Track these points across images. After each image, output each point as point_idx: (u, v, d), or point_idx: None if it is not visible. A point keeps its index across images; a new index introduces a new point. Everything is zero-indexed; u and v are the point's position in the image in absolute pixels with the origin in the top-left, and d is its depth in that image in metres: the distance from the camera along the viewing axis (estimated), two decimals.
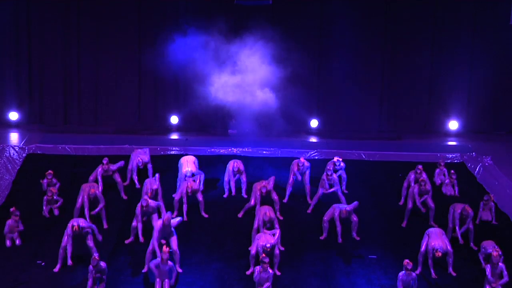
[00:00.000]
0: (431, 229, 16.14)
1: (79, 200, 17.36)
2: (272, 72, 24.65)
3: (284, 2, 23.99)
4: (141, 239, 16.61)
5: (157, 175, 18.37)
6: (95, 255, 14.66)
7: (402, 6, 24.46)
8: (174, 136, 24.49)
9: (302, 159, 19.20)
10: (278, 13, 24.29)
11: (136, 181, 19.54)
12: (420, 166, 19.08)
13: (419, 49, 24.61)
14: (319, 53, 24.73)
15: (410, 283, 14.54)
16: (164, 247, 14.74)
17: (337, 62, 24.66)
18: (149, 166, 19.78)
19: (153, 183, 17.94)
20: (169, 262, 14.61)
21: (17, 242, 16.52)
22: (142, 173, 19.72)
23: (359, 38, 24.37)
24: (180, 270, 15.51)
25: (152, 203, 16.67)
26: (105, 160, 18.95)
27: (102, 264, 14.63)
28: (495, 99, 25.18)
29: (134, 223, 16.73)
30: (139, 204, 16.65)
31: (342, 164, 19.34)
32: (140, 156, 19.66)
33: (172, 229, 15.64)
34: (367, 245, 16.98)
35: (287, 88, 24.27)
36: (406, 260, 14.59)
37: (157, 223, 15.67)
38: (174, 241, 15.58)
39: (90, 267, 14.52)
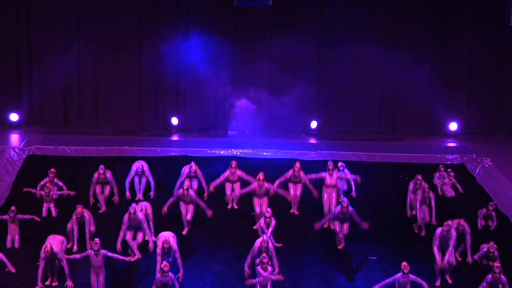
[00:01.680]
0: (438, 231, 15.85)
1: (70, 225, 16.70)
2: (271, 73, 24.72)
3: (284, 3, 24.01)
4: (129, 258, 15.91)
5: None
6: (96, 239, 14.61)
7: (402, 8, 24.49)
8: (174, 138, 24.50)
9: (297, 164, 18.84)
10: (278, 14, 24.32)
11: (127, 191, 19.02)
12: (419, 176, 18.65)
13: (419, 50, 24.62)
14: (319, 53, 24.76)
15: (407, 286, 14.51)
16: (164, 262, 14.69)
17: (337, 63, 24.70)
18: (146, 178, 19.21)
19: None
20: (170, 274, 14.50)
21: (16, 245, 16.57)
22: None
23: (359, 39, 24.39)
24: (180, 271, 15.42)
25: (140, 214, 16.28)
26: (101, 169, 18.49)
27: (103, 252, 14.61)
28: (495, 100, 25.20)
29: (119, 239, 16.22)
30: (126, 214, 16.24)
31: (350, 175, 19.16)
32: (140, 162, 19.39)
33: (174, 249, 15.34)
34: (367, 246, 16.99)
35: (287, 89, 24.32)
36: (404, 263, 14.51)
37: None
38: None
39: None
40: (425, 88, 24.92)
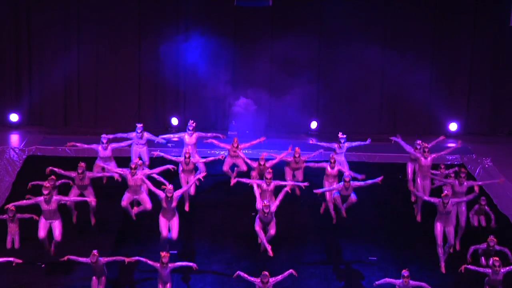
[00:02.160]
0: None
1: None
2: (272, 73, 24.72)
3: (284, 3, 24.01)
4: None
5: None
6: (94, 251, 14.59)
7: (402, 8, 24.48)
8: (174, 138, 24.43)
9: (298, 150, 18.87)
10: (278, 15, 24.32)
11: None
12: (419, 141, 18.81)
13: (419, 50, 24.63)
14: (319, 54, 24.76)
15: None
16: (163, 253, 14.66)
17: (337, 64, 24.71)
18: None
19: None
20: (169, 265, 14.52)
21: (16, 245, 16.58)
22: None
23: (359, 39, 24.39)
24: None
25: (141, 171, 16.63)
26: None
27: (101, 260, 14.58)
28: (495, 100, 25.20)
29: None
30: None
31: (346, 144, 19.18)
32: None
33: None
34: (367, 247, 17.00)
35: (287, 89, 24.31)
36: (404, 272, 14.35)
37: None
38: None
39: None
40: (425, 89, 24.91)
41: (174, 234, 15.70)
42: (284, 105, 24.35)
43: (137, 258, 14.70)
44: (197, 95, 24.86)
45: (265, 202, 15.61)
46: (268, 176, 16.38)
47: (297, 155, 18.63)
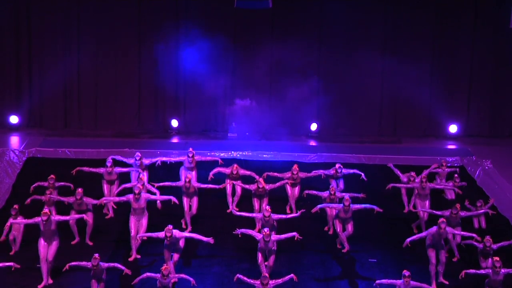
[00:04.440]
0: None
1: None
2: (272, 75, 24.73)
3: (284, 6, 24.03)
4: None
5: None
6: (96, 254, 14.58)
7: (402, 10, 24.51)
8: (174, 140, 24.52)
9: (296, 167, 18.74)
10: (278, 17, 24.35)
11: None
12: (413, 173, 18.86)
13: (419, 52, 24.66)
14: (319, 56, 24.78)
15: None
16: (165, 266, 14.55)
17: (337, 66, 24.72)
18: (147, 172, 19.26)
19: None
20: (171, 276, 14.42)
21: (16, 247, 16.55)
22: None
23: (359, 41, 24.43)
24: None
25: (144, 194, 16.49)
26: (109, 162, 18.33)
27: (102, 264, 14.57)
28: (495, 102, 25.21)
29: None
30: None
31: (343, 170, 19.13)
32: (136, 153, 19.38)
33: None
34: (367, 249, 17.00)
35: (287, 92, 24.32)
36: (405, 272, 14.37)
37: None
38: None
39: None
40: (425, 90, 24.93)
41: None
42: (284, 107, 24.36)
43: (138, 279, 14.61)
44: (197, 97, 24.87)
45: (265, 230, 15.33)
46: (267, 214, 16.07)
47: (295, 172, 18.54)
